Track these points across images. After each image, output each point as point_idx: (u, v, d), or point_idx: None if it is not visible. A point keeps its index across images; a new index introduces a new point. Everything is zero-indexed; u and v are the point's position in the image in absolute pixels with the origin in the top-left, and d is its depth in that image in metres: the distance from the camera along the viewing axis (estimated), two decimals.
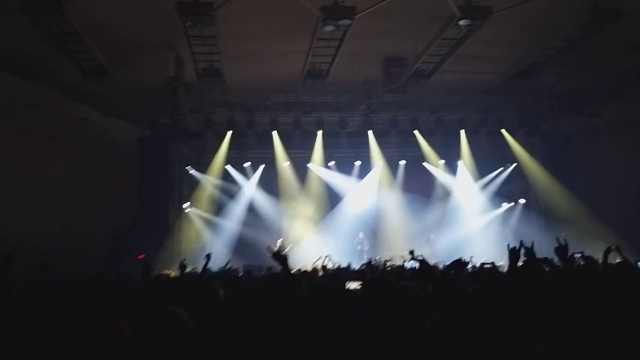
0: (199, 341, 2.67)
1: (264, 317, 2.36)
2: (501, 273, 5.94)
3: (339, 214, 20.96)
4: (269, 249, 5.24)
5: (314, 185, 21.00)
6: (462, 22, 11.90)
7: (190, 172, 19.71)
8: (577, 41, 13.49)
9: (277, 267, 5.28)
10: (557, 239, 4.49)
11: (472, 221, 20.49)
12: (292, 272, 5.15)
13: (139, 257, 17.19)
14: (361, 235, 20.06)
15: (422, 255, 8.65)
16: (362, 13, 11.57)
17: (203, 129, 18.53)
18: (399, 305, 3.31)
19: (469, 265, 11.18)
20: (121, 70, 14.96)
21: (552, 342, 1.96)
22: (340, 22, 11.71)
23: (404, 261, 7.66)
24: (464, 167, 20.70)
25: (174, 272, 10.45)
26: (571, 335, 2.58)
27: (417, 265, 5.95)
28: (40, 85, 14.75)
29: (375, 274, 6.05)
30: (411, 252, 8.33)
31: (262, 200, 20.59)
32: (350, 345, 3.12)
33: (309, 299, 4.20)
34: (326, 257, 11.43)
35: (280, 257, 4.90)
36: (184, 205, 19.19)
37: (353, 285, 4.23)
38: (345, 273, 8.98)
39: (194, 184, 19.93)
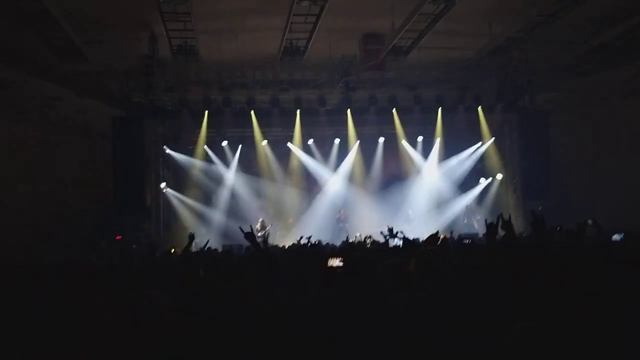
0: (182, 325, 2.63)
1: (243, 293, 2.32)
2: (483, 247, 5.96)
3: (319, 192, 20.98)
4: (242, 229, 5.16)
5: (294, 163, 20.95)
6: None
7: (167, 151, 19.47)
8: (553, 16, 13.52)
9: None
10: (533, 212, 4.48)
11: (450, 196, 20.68)
12: (266, 250, 5.11)
13: (117, 238, 17.07)
14: (341, 212, 20.12)
15: (402, 232, 8.70)
16: None
17: (179, 108, 18.25)
18: (383, 283, 3.30)
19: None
20: (94, 49, 14.63)
21: (530, 320, 1.95)
22: None
23: (387, 239, 7.67)
24: (441, 143, 20.79)
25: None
26: (550, 312, 2.59)
27: (400, 242, 5.96)
28: (12, 65, 14.38)
29: (356, 252, 6.04)
30: (390, 230, 8.36)
31: (241, 180, 20.48)
32: (331, 323, 3.10)
33: (289, 275, 4.18)
34: (306, 237, 11.46)
35: (252, 237, 4.85)
36: (161, 186, 19.00)
37: (335, 262, 4.20)
38: (325, 250, 8.98)
39: (170, 164, 19.72)
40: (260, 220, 19.23)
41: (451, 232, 12.92)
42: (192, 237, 6.25)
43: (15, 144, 17.04)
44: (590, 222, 6.18)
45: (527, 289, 3.03)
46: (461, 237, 10.87)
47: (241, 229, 5.06)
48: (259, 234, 17.52)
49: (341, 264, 4.14)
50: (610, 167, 18.29)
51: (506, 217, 4.33)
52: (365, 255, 3.71)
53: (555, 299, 2.75)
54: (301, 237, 12.27)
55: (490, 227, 4.31)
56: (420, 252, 4.55)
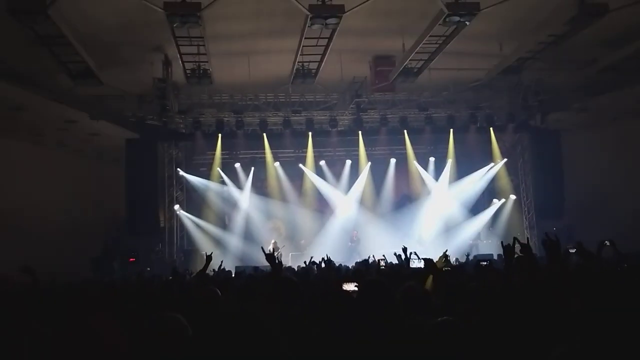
0: (201, 345, 2.64)
1: (267, 317, 2.32)
2: (499, 270, 5.91)
3: (331, 214, 20.96)
4: (264, 250, 5.16)
5: (306, 184, 20.99)
6: (450, 19, 11.90)
7: (180, 173, 19.59)
8: (564, 36, 13.55)
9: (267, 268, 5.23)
10: (547, 235, 4.43)
11: (462, 218, 20.56)
12: (281, 273, 5.10)
13: (130, 260, 17.11)
14: (354, 234, 20.07)
15: (415, 254, 8.65)
16: (350, 11, 11.54)
17: (192, 130, 18.43)
18: (399, 307, 3.28)
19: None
20: (109, 72, 14.84)
21: (568, 345, 1.92)
22: (328, 21, 11.68)
23: (409, 260, 7.60)
24: (453, 164, 20.75)
25: None
26: (575, 334, 2.57)
27: (421, 264, 5.90)
28: (28, 89, 14.61)
29: (370, 275, 6.02)
30: (404, 250, 8.31)
31: (253, 201, 20.52)
32: (349, 347, 3.10)
33: (308, 301, 4.18)
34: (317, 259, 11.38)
35: (273, 259, 4.83)
36: (175, 207, 19.08)
37: (350, 287, 4.17)
38: (339, 273, 8.95)
39: (184, 186, 19.82)
40: (273, 241, 19.23)
41: (467, 255, 12.83)
42: (209, 258, 6.21)
43: (30, 166, 17.24)
44: (607, 242, 6.13)
45: (548, 311, 3.02)
46: (478, 259, 10.79)
47: (263, 250, 5.06)
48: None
49: (356, 288, 4.11)
50: (623, 186, 18.16)
51: (522, 239, 4.30)
52: (380, 278, 3.70)
53: (585, 322, 2.72)
54: (312, 258, 12.25)
55: (507, 249, 4.28)
56: (436, 273, 4.53)
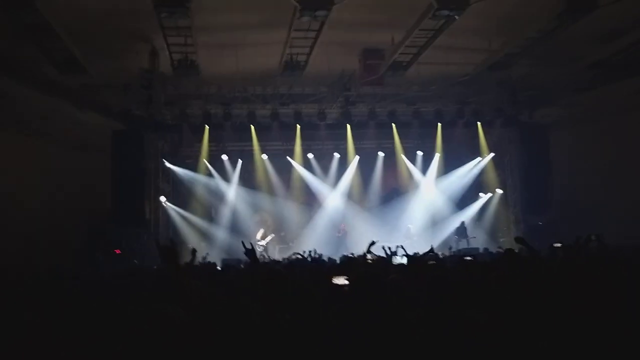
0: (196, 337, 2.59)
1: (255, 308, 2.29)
2: (482, 264, 5.91)
3: (319, 207, 20.97)
4: (244, 244, 5.05)
5: (294, 177, 20.96)
6: (439, 13, 11.88)
7: (167, 165, 19.45)
8: (552, 32, 13.59)
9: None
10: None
11: (449, 212, 20.65)
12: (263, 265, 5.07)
13: (116, 252, 16.98)
14: (342, 227, 20.10)
15: (402, 248, 8.65)
16: (340, 3, 11.48)
17: (179, 122, 18.29)
18: (390, 301, 3.26)
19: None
20: (95, 62, 14.67)
21: (550, 339, 1.91)
22: (317, 13, 11.63)
23: (391, 255, 7.59)
24: (441, 158, 20.82)
25: None
26: (562, 327, 2.56)
27: (404, 260, 5.90)
28: (11, 77, 14.39)
29: (358, 269, 5.99)
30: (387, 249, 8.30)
31: (241, 194, 20.46)
32: (340, 341, 3.07)
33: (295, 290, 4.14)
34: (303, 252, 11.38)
35: (252, 254, 4.77)
36: (161, 199, 18.95)
37: (340, 280, 4.14)
38: (325, 265, 8.92)
39: (170, 177, 19.69)
40: (262, 230, 19.21)
41: (450, 248, 12.88)
42: (194, 252, 6.11)
43: (12, 156, 17.01)
44: (593, 237, 6.15)
45: (535, 305, 3.01)
46: (462, 254, 10.82)
47: (243, 244, 4.97)
48: (260, 244, 17.54)
49: (347, 282, 4.08)
50: (610, 181, 18.29)
51: (509, 234, 4.31)
52: (371, 272, 3.66)
53: (571, 315, 2.72)
54: (293, 253, 12.23)
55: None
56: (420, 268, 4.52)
